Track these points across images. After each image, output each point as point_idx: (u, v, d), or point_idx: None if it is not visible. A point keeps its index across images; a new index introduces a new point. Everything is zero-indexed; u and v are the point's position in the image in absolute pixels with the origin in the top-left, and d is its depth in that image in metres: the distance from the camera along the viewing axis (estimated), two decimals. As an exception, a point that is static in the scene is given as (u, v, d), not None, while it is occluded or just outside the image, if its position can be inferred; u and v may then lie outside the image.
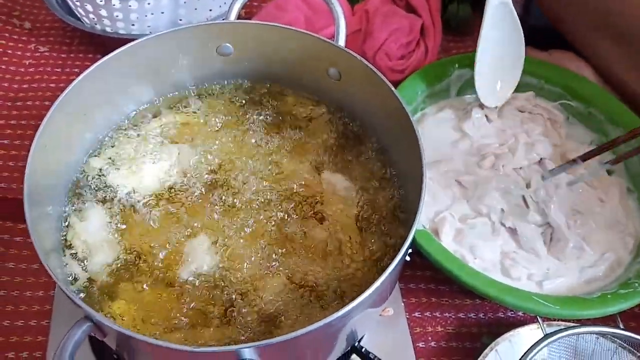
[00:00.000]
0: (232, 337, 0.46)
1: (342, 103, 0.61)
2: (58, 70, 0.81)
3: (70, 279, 0.48)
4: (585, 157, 0.62)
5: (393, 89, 0.51)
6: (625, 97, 0.72)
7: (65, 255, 0.50)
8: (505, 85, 0.71)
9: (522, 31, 0.69)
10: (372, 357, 0.52)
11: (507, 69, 0.70)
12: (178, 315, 0.47)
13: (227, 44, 0.59)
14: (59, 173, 0.52)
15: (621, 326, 0.55)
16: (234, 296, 0.48)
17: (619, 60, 0.71)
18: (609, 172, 0.68)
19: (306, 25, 0.82)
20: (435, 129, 0.71)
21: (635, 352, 0.55)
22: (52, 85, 0.79)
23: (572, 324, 0.56)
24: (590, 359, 0.55)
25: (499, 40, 0.68)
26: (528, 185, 0.65)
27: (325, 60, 0.57)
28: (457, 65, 0.72)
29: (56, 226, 0.51)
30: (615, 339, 0.55)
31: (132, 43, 0.53)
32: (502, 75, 0.70)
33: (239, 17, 0.61)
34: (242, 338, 0.45)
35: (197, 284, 0.49)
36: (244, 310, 0.47)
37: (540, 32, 0.84)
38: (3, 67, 0.80)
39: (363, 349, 0.53)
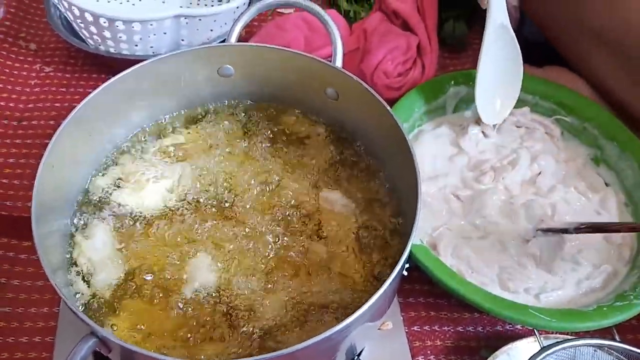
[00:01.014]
0: (233, 352, 0.47)
1: (340, 122, 0.62)
2: (63, 90, 0.83)
3: (75, 295, 0.49)
4: (579, 231, 0.62)
5: (388, 108, 0.53)
6: (620, 111, 0.73)
7: (70, 273, 0.51)
8: (505, 104, 0.72)
9: (519, 50, 0.71)
10: (371, 371, 0.53)
11: (506, 88, 0.71)
12: (180, 331, 0.48)
13: (228, 65, 0.60)
14: (65, 192, 0.54)
15: (617, 338, 0.56)
16: (235, 313, 0.49)
17: (613, 75, 0.72)
18: (606, 184, 0.69)
19: (305, 44, 0.84)
20: (433, 145, 0.72)
21: (633, 364, 0.55)
22: (57, 104, 0.81)
23: (569, 337, 0.57)
24: (588, 371, 0.56)
25: (498, 60, 0.70)
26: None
27: (322, 80, 0.58)
28: (453, 82, 0.74)
29: (61, 244, 0.52)
30: (612, 352, 0.56)
31: (136, 66, 0.55)
32: (501, 94, 0.72)
33: (239, 36, 0.63)
34: (243, 353, 0.46)
35: (199, 300, 0.50)
36: (245, 326, 0.48)
37: (534, 48, 0.86)
38: (9, 87, 0.82)
39: (362, 364, 0.53)
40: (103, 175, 0.58)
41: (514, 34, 0.70)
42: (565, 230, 0.61)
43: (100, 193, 0.56)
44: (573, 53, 0.76)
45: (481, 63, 0.69)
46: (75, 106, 0.51)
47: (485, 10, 0.69)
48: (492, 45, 0.69)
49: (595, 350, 0.56)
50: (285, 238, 0.54)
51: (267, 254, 0.53)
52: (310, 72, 0.58)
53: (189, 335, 0.48)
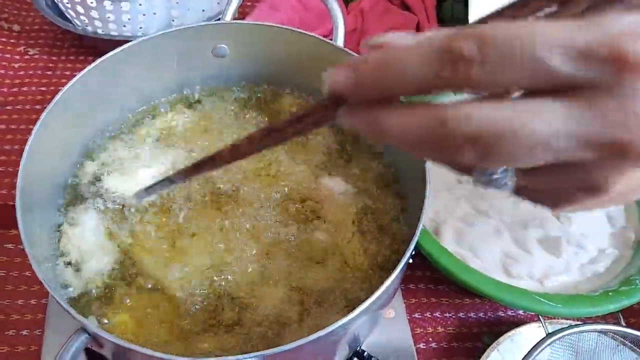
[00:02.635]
0: (234, 346, 0.45)
1: (340, 104, 0.60)
2: (49, 73, 0.80)
3: (64, 286, 0.47)
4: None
5: (393, 88, 0.50)
6: None
7: (58, 263, 0.48)
8: None
9: None
10: (374, 361, 0.52)
11: None
12: (177, 324, 0.46)
13: (223, 45, 0.58)
14: (52, 178, 0.51)
15: (623, 323, 0.55)
16: (233, 304, 0.47)
17: None
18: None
19: (300, 24, 0.81)
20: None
21: (637, 348, 0.55)
22: (42, 88, 0.78)
23: (574, 322, 0.56)
24: (592, 357, 0.55)
25: None
26: None
27: (323, 60, 0.56)
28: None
29: (49, 232, 0.49)
30: (617, 337, 0.55)
31: (125, 46, 0.52)
32: None
33: (234, 16, 0.60)
34: (245, 347, 0.45)
35: (195, 292, 0.48)
36: (245, 318, 0.46)
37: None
38: (-8, 70, 0.79)
39: (365, 353, 0.52)
40: (92, 161, 0.55)
41: None
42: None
43: (89, 179, 0.54)
44: None
45: None
46: (62, 89, 0.49)
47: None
48: None
49: (599, 336, 0.55)
50: (285, 225, 0.52)
51: (265, 242, 0.51)
52: (310, 52, 0.56)
53: (184, 328, 0.46)
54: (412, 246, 0.41)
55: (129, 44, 0.52)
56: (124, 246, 0.50)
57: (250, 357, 0.35)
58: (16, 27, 0.85)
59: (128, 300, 0.47)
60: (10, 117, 0.74)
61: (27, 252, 0.40)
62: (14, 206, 0.42)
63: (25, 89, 0.78)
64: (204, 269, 0.49)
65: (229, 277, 0.49)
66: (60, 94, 0.48)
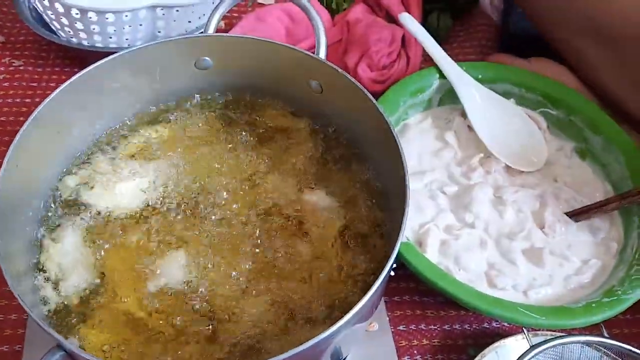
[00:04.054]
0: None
1: (324, 116, 0.60)
2: (33, 84, 0.79)
3: (43, 302, 0.47)
4: (572, 214, 0.63)
5: (375, 101, 0.51)
6: (610, 105, 0.72)
7: (37, 279, 0.48)
8: (535, 148, 0.69)
9: (502, 98, 0.72)
10: (357, 375, 0.51)
11: (522, 135, 0.70)
12: (157, 339, 0.46)
13: (206, 58, 0.58)
14: (32, 192, 0.51)
15: (606, 334, 0.55)
16: (214, 318, 0.47)
17: (603, 66, 0.71)
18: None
19: (287, 36, 0.82)
20: (418, 140, 0.70)
21: (619, 359, 0.55)
22: (27, 100, 0.77)
23: (558, 334, 0.56)
24: (575, 369, 0.55)
25: (494, 118, 0.70)
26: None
27: (306, 72, 0.56)
28: (438, 76, 0.72)
29: (28, 248, 0.49)
30: (600, 348, 0.55)
31: (108, 58, 0.52)
32: (523, 142, 0.69)
33: (218, 29, 0.60)
34: (225, 361, 0.44)
35: (175, 305, 0.47)
36: (225, 333, 0.46)
37: (520, 39, 0.85)
38: (-24, 81, 0.78)
39: (348, 366, 0.52)
40: (73, 174, 0.55)
41: (489, 90, 0.71)
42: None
43: (70, 193, 0.53)
44: (564, 45, 0.75)
45: (482, 135, 0.68)
46: (43, 102, 0.48)
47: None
48: (481, 112, 0.70)
49: (582, 347, 0.55)
50: (267, 238, 0.52)
51: (248, 254, 0.50)
52: (293, 64, 0.56)
53: (163, 345, 0.45)
54: (391, 260, 0.41)
55: (112, 56, 0.52)
56: (103, 262, 0.49)
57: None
58: (1, 38, 0.85)
59: (106, 316, 0.46)
60: (-6, 129, 0.74)
61: (3, 267, 0.39)
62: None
63: (9, 100, 0.77)
64: (185, 283, 0.48)
65: (210, 291, 0.48)
66: (39, 107, 0.48)
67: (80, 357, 0.36)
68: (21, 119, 0.75)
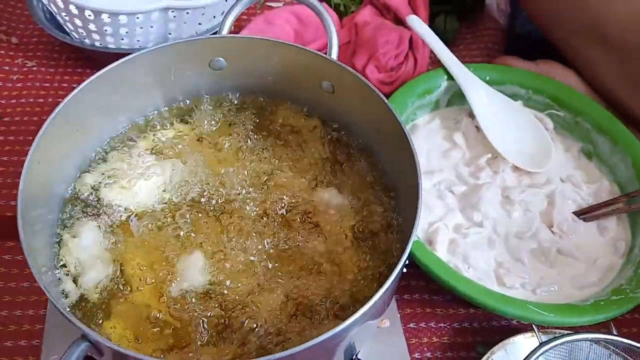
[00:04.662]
0: (230, 355, 0.45)
1: (336, 116, 0.61)
2: (46, 85, 0.80)
3: (63, 296, 0.48)
4: (578, 214, 0.64)
5: (387, 101, 0.52)
6: (615, 107, 0.73)
7: (58, 273, 0.49)
8: (541, 150, 0.70)
9: (511, 100, 0.72)
10: (370, 370, 0.52)
11: (530, 136, 0.70)
12: (175, 333, 0.46)
13: (220, 58, 0.59)
14: (52, 189, 0.52)
15: (614, 332, 0.56)
16: (230, 313, 0.48)
17: (607, 69, 0.72)
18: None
19: (296, 38, 0.82)
20: (426, 140, 0.71)
21: (628, 357, 0.55)
22: (40, 100, 0.78)
23: (567, 332, 0.56)
24: (584, 366, 0.56)
25: (503, 122, 0.70)
26: None
27: (318, 73, 0.57)
28: (446, 77, 0.73)
29: (49, 243, 0.50)
30: (609, 345, 0.56)
31: (124, 58, 0.53)
32: (530, 143, 0.70)
33: (230, 29, 0.61)
34: (240, 356, 0.45)
35: (192, 301, 0.48)
36: (240, 328, 0.47)
37: (527, 42, 0.86)
38: (-10, 82, 0.79)
39: (361, 362, 0.52)
40: (91, 172, 0.56)
41: (496, 92, 0.72)
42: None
43: (89, 190, 0.54)
44: (569, 48, 0.76)
45: (490, 136, 0.69)
46: (60, 101, 0.49)
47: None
48: (489, 113, 0.70)
49: (591, 345, 0.56)
50: (281, 236, 0.52)
51: (261, 252, 0.51)
52: (305, 65, 0.57)
53: (180, 339, 0.46)
54: (403, 258, 0.42)
55: (128, 57, 0.53)
56: (121, 258, 0.50)
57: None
58: (14, 40, 0.86)
59: (124, 310, 0.47)
60: (8, 129, 0.74)
61: (29, 261, 0.40)
62: (11, 217, 0.43)
63: (23, 100, 0.78)
64: (200, 279, 0.49)
65: (226, 287, 0.49)
66: (60, 105, 0.49)
67: (105, 347, 0.37)
68: (35, 118, 0.76)
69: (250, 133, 0.60)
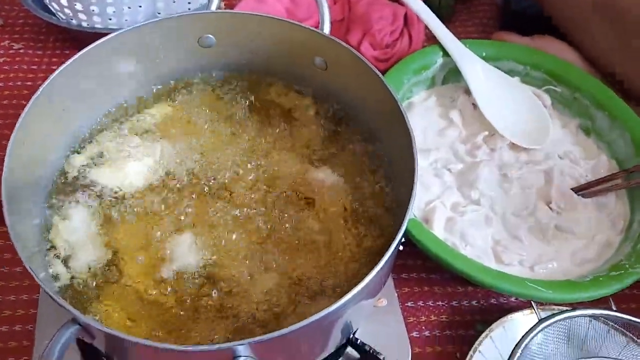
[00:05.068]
0: (223, 334, 0.45)
1: (329, 93, 0.60)
2: (34, 67, 0.79)
3: (53, 280, 0.47)
4: (577, 190, 0.63)
5: (382, 77, 0.50)
6: (614, 83, 0.72)
7: (48, 256, 0.48)
8: (538, 127, 0.69)
9: (507, 76, 0.71)
10: (367, 349, 0.52)
11: (525, 112, 0.69)
12: (166, 314, 0.46)
13: (209, 35, 0.57)
14: (39, 171, 0.50)
15: (613, 308, 0.56)
16: (224, 293, 0.47)
17: (611, 46, 0.71)
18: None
19: (287, 16, 0.81)
20: (423, 118, 0.70)
21: (627, 332, 0.55)
22: (28, 83, 0.77)
23: (566, 308, 0.56)
24: (583, 342, 0.55)
25: (500, 98, 0.69)
26: None
27: (310, 49, 0.56)
28: (441, 54, 0.72)
29: (38, 226, 0.49)
30: (608, 321, 0.56)
31: (110, 35, 0.52)
32: (526, 119, 0.69)
33: (218, 8, 0.59)
34: (234, 337, 0.44)
35: (185, 282, 0.47)
36: (235, 307, 0.46)
37: (521, 18, 0.85)
38: (-24, 65, 0.78)
39: (358, 341, 0.52)
40: (79, 153, 0.54)
41: (493, 68, 0.71)
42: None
43: (77, 172, 0.53)
44: (569, 23, 0.75)
45: (487, 113, 0.68)
46: (45, 82, 0.48)
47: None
48: (486, 90, 0.69)
49: (590, 321, 0.56)
50: (274, 215, 0.52)
51: (255, 232, 0.50)
52: (297, 41, 0.55)
53: (173, 319, 0.45)
54: (399, 235, 0.41)
55: (113, 34, 0.52)
56: (112, 239, 0.49)
57: (239, 345, 0.35)
58: (0, 21, 0.84)
59: (116, 292, 0.46)
60: (-5, 113, 0.73)
61: (15, 245, 0.39)
62: (1, 202, 0.42)
63: (10, 83, 0.77)
64: (192, 259, 0.49)
65: (220, 267, 0.48)
66: (44, 85, 0.47)
67: (95, 329, 0.36)
68: (23, 102, 0.75)
69: (242, 112, 0.59)
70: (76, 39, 0.80)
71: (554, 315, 0.53)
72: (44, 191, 0.51)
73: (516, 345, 0.51)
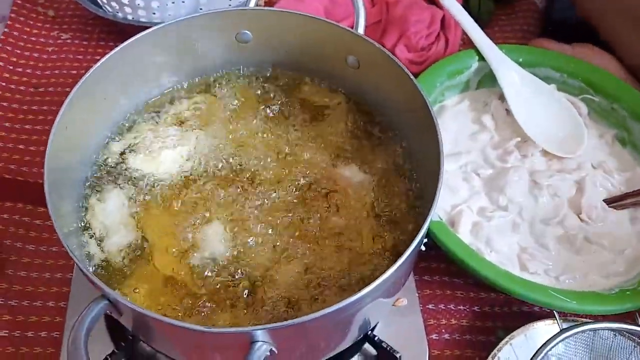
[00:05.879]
0: (245, 321, 0.46)
1: (360, 92, 0.60)
2: (79, 57, 0.82)
3: (87, 258, 0.49)
4: (609, 202, 0.62)
5: (413, 78, 0.51)
6: None
7: (84, 236, 0.50)
8: (573, 134, 0.68)
9: (544, 84, 0.70)
10: (384, 346, 0.52)
11: (561, 120, 0.69)
12: (193, 299, 0.47)
13: (246, 31, 0.59)
14: (79, 155, 0.53)
15: (640, 323, 0.55)
16: (249, 282, 0.48)
17: None
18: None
19: (325, 16, 0.82)
20: (454, 121, 0.70)
21: (653, 350, 0.54)
22: (73, 72, 0.80)
23: (589, 320, 0.55)
24: (606, 357, 0.55)
25: (535, 105, 0.69)
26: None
27: (343, 48, 0.57)
28: (477, 58, 0.71)
29: (76, 207, 0.51)
30: (634, 337, 0.54)
31: (152, 28, 0.54)
32: (561, 127, 0.68)
33: (258, 4, 0.61)
34: (256, 323, 0.46)
35: (212, 269, 0.49)
36: (259, 296, 0.48)
37: (563, 27, 0.83)
38: (27, 53, 0.82)
39: (376, 338, 0.53)
40: (118, 140, 0.57)
41: (529, 74, 0.70)
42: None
43: (115, 158, 0.56)
44: (609, 31, 0.73)
45: (520, 119, 0.67)
46: (88, 72, 0.50)
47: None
48: (520, 96, 0.69)
49: (615, 335, 0.54)
50: (301, 209, 0.53)
51: (282, 225, 0.52)
52: (332, 40, 0.56)
53: (199, 305, 0.47)
54: (421, 233, 0.42)
55: (153, 28, 0.54)
56: (145, 224, 0.51)
57: (258, 330, 0.36)
58: (51, 12, 0.88)
59: (145, 275, 0.48)
60: (42, 99, 0.77)
61: (55, 224, 0.41)
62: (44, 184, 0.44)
63: (57, 72, 0.80)
64: (222, 248, 0.50)
65: (246, 257, 0.50)
66: (89, 72, 0.50)
67: (123, 305, 0.38)
68: (67, 89, 0.76)
69: (274, 107, 0.60)
70: (121, 31, 0.83)
71: (576, 325, 0.52)
72: (83, 175, 0.54)
73: (535, 353, 0.50)
